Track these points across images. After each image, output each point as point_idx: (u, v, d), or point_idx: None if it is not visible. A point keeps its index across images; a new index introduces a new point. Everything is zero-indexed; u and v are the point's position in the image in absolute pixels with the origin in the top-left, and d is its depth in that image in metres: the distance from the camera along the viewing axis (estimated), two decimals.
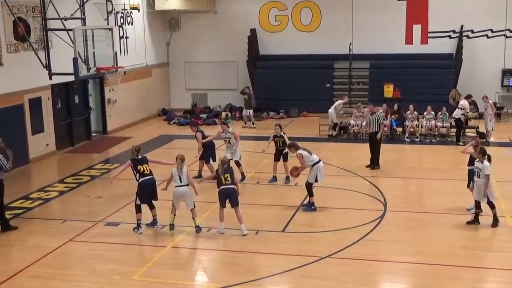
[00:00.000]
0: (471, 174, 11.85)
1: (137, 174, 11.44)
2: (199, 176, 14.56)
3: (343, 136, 20.21)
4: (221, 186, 11.12)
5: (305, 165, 12.44)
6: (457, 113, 18.80)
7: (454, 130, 19.04)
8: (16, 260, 10.33)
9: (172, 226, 11.44)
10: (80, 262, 10.25)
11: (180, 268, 10.03)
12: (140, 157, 11.57)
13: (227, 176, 11.09)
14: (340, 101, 20.70)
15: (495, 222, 11.35)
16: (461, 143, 18.24)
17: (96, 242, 11.07)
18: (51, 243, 10.95)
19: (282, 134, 14.66)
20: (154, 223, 11.66)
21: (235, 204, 11.16)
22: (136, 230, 11.45)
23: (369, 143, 16.15)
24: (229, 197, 11.13)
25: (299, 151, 12.47)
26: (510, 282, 9.25)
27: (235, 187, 11.20)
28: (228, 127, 14.93)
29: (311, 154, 12.57)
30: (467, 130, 19.52)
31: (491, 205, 11.35)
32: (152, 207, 11.60)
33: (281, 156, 14.60)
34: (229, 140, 14.75)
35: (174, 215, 11.42)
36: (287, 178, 14.34)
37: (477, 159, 11.42)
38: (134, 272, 9.69)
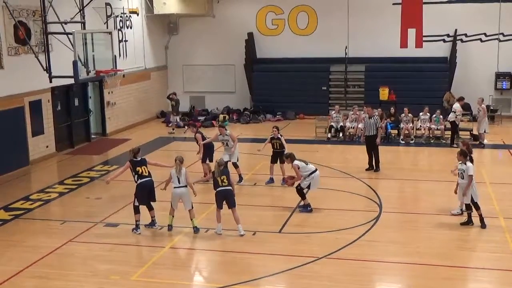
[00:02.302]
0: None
1: (136, 176, 11.56)
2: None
3: (339, 138, 20.38)
4: (218, 188, 11.26)
5: (301, 176, 12.59)
6: (451, 117, 19.00)
7: (449, 132, 19.23)
8: (16, 260, 10.40)
9: (170, 227, 11.58)
10: (80, 263, 10.35)
11: (178, 269, 10.14)
12: (139, 158, 11.70)
13: (224, 178, 11.24)
14: (332, 113, 20.96)
15: (482, 223, 11.49)
16: (455, 145, 18.43)
17: (96, 242, 11.19)
18: (51, 244, 11.06)
19: (280, 136, 14.81)
20: (152, 224, 11.78)
21: (232, 205, 11.31)
22: (135, 231, 11.57)
23: (366, 146, 16.21)
24: (226, 198, 11.28)
25: (295, 162, 12.58)
26: (503, 283, 9.39)
27: (232, 189, 11.38)
28: (226, 129, 15.10)
29: (307, 164, 12.70)
30: (460, 133, 19.76)
31: (476, 206, 11.50)
32: (150, 208, 11.72)
33: (278, 158, 14.76)
34: (227, 143, 14.89)
35: (173, 216, 11.56)
36: (284, 179, 14.49)
37: (460, 161, 11.61)
38: (133, 272, 9.78)
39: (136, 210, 11.59)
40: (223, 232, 11.37)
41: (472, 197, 11.44)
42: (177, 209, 11.52)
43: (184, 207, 11.46)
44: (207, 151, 14.96)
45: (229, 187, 11.30)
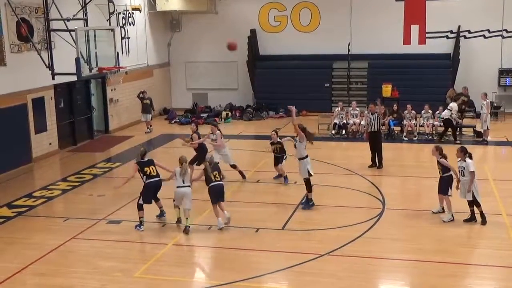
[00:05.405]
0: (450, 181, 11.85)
1: (144, 176, 11.59)
2: None
3: (343, 135, 20.36)
4: (211, 183, 11.38)
5: (302, 136, 12.38)
6: (445, 114, 19.01)
7: (450, 129, 19.20)
8: (19, 257, 10.42)
9: (179, 220, 11.65)
10: (83, 260, 10.37)
11: (181, 266, 10.15)
12: (146, 159, 11.73)
13: (216, 174, 11.44)
14: (337, 110, 20.92)
15: (483, 220, 11.48)
16: (458, 141, 18.40)
17: (98, 239, 11.22)
18: (54, 241, 11.08)
19: (279, 140, 14.53)
20: (161, 214, 11.90)
21: (222, 199, 11.51)
22: (138, 227, 11.58)
23: (369, 143, 16.21)
24: (219, 193, 11.43)
25: (301, 134, 12.37)
26: (506, 279, 9.37)
27: (223, 184, 11.59)
28: (218, 129, 14.78)
29: (305, 148, 12.61)
30: (464, 130, 19.69)
31: (477, 202, 11.47)
32: (156, 200, 11.83)
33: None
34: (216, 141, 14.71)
35: (179, 208, 11.60)
36: (285, 178, 14.46)
37: (459, 159, 11.58)
38: (136, 269, 9.81)
39: (140, 207, 11.60)
40: (226, 230, 11.36)
41: (473, 194, 11.41)
42: (180, 205, 11.53)
43: (184, 205, 11.44)
44: (200, 154, 14.43)
45: (222, 182, 11.53)
